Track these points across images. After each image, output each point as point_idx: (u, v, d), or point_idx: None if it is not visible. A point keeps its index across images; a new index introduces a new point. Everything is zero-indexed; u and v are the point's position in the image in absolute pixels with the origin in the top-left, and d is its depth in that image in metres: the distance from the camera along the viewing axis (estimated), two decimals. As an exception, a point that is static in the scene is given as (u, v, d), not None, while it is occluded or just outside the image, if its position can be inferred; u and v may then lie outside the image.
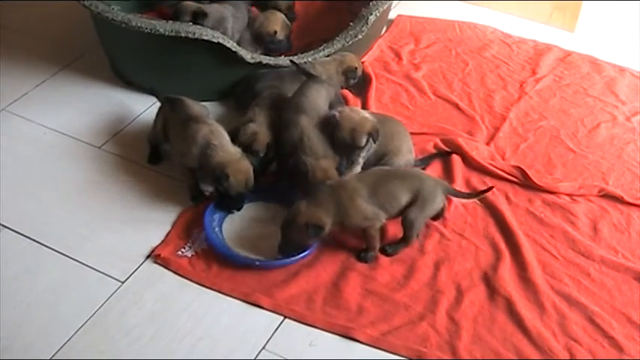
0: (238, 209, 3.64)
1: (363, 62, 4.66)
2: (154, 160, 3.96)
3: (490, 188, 3.73)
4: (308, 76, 4.05)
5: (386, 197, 3.41)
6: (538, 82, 4.75)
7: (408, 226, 3.47)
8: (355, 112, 3.74)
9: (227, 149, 3.61)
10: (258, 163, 3.72)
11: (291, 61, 4.24)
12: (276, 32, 4.56)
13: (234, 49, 4.11)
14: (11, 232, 3.55)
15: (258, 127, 3.82)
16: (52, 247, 3.48)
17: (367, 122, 3.66)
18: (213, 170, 3.54)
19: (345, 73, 4.36)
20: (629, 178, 4.07)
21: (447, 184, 3.66)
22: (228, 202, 3.62)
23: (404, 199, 3.43)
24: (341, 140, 3.64)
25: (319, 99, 3.86)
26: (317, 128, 3.71)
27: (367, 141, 3.66)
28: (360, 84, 4.45)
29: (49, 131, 4.13)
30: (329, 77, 4.23)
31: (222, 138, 3.66)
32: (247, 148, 3.71)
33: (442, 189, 3.54)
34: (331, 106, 3.94)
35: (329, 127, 3.68)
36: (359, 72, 4.42)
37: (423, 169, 3.93)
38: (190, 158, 3.63)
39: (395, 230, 3.53)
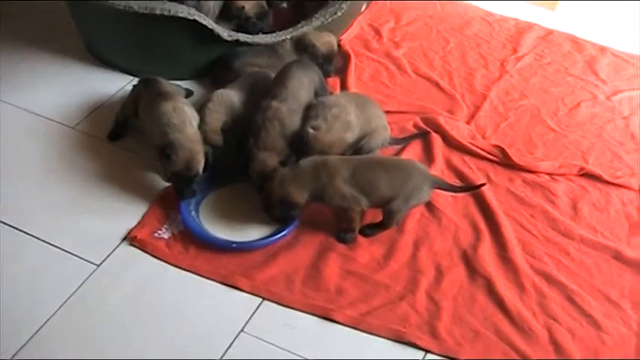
0: (183, 196, 3.54)
1: (340, 40, 4.67)
2: (114, 136, 3.94)
3: (483, 184, 3.74)
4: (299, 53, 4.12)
5: (366, 185, 3.39)
6: (519, 60, 4.77)
7: (388, 215, 3.47)
8: (331, 129, 3.62)
9: (184, 129, 3.55)
10: (220, 151, 3.70)
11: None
12: (244, 8, 4.45)
13: (210, 27, 4.09)
14: (-15, 216, 3.55)
15: (216, 113, 3.78)
16: (27, 231, 3.46)
17: (339, 144, 3.62)
18: (162, 148, 3.50)
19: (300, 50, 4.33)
20: (608, 157, 4.11)
21: (436, 177, 3.64)
22: (175, 185, 3.57)
23: (385, 189, 3.40)
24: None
25: (301, 90, 3.78)
26: (286, 121, 3.65)
27: None
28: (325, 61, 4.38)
29: (21, 112, 4.11)
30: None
31: (184, 117, 3.60)
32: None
33: (430, 182, 3.52)
34: (316, 94, 3.90)
35: (300, 143, 3.62)
36: (320, 50, 4.34)
37: (403, 147, 3.94)
38: (155, 135, 3.59)
39: (374, 212, 3.53)
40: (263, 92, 3.79)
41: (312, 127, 3.60)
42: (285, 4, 4.77)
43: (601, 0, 5.37)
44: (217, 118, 3.72)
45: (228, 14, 4.46)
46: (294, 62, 3.95)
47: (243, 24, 4.46)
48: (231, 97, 3.82)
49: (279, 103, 3.66)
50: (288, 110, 3.66)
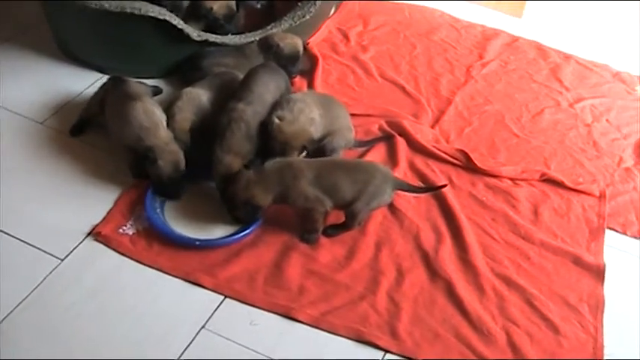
0: (174, 197, 3.64)
1: (308, 43, 4.70)
2: (77, 132, 3.95)
3: (444, 185, 3.77)
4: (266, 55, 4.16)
5: (330, 186, 3.41)
6: (484, 66, 4.83)
7: (350, 216, 3.50)
8: (295, 120, 3.63)
9: (158, 133, 3.60)
10: (189, 148, 3.71)
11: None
12: (212, 8, 4.46)
13: (180, 27, 4.11)
14: (-53, 208, 3.53)
15: (191, 89, 3.85)
16: (-11, 222, 3.47)
17: (303, 134, 3.62)
18: (144, 153, 3.54)
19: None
20: (570, 163, 4.16)
21: (398, 179, 3.66)
22: (163, 189, 3.61)
23: (348, 191, 3.42)
24: (271, 149, 3.61)
25: (267, 94, 3.78)
26: (251, 124, 3.65)
27: (299, 153, 3.66)
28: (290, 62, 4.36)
29: (-12, 105, 4.10)
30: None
31: (155, 118, 3.64)
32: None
33: (392, 184, 3.54)
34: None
35: (264, 132, 3.64)
36: (284, 50, 4.33)
37: (367, 150, 3.97)
38: (126, 137, 3.62)
39: (337, 213, 3.54)
40: (230, 93, 3.80)
41: (277, 117, 3.62)
42: (258, 5, 4.78)
43: (566, 8, 5.42)
44: (186, 117, 3.74)
45: (197, 14, 4.46)
46: (262, 66, 3.96)
47: (211, 24, 4.47)
48: (199, 95, 3.84)
49: (245, 106, 3.66)
50: (253, 113, 3.66)
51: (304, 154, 3.68)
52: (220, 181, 3.57)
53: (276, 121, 3.61)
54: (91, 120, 3.97)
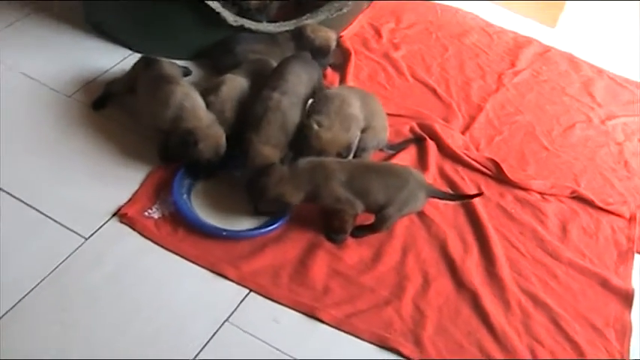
0: (207, 177, 3.60)
1: (342, 37, 4.64)
2: (99, 105, 3.89)
3: (478, 194, 3.70)
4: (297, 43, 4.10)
5: (362, 189, 3.35)
6: (516, 75, 4.77)
7: (380, 220, 3.44)
8: (332, 127, 3.55)
9: (198, 114, 3.53)
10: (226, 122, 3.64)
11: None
12: None
13: (217, 10, 4.05)
14: (-28, 175, 3.47)
15: (233, 75, 3.80)
16: (15, 195, 3.40)
17: (338, 141, 3.55)
18: (183, 136, 3.47)
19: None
20: (600, 182, 4.10)
21: (432, 186, 3.60)
22: (198, 169, 3.56)
23: (380, 195, 3.36)
24: (306, 152, 3.53)
25: (299, 85, 3.72)
26: (287, 115, 3.60)
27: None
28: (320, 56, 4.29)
29: (17, 75, 4.02)
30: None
31: (195, 101, 3.58)
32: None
33: (426, 191, 3.48)
34: (313, 92, 3.84)
35: (301, 137, 3.57)
36: (315, 42, 4.26)
37: (397, 152, 3.92)
38: (162, 120, 3.55)
39: (365, 213, 3.48)
40: (263, 81, 3.75)
41: (316, 123, 3.55)
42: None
43: (601, 21, 5.37)
44: (231, 107, 3.68)
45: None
46: (295, 57, 3.90)
47: (243, 13, 4.39)
48: (242, 83, 3.78)
49: (280, 95, 3.60)
50: (289, 103, 3.60)
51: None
52: (254, 172, 3.49)
53: (315, 127, 3.54)
54: (114, 96, 3.91)
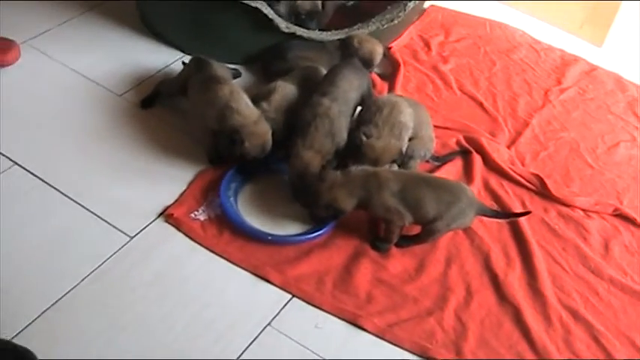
0: (255, 176, 3.56)
1: (391, 47, 4.60)
2: (148, 104, 3.88)
3: (526, 213, 3.65)
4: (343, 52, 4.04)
5: (413, 202, 3.29)
6: (562, 92, 4.68)
7: (428, 233, 3.39)
8: (381, 136, 3.49)
9: (244, 112, 3.48)
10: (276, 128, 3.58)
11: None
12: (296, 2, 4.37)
13: (270, 17, 4.02)
14: (22, 169, 3.44)
15: (283, 82, 3.76)
16: (63, 191, 3.37)
17: (391, 149, 3.49)
18: (230, 134, 3.43)
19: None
20: (643, 201, 4.01)
21: (482, 203, 3.53)
22: (246, 167, 3.53)
23: (431, 209, 3.30)
24: (360, 162, 3.47)
25: (350, 91, 3.68)
26: (335, 122, 3.54)
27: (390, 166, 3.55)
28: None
29: (70, 71, 4.01)
30: None
31: (241, 100, 3.53)
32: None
33: (476, 208, 3.42)
34: (362, 99, 3.80)
35: (353, 148, 3.52)
36: (360, 52, 4.16)
37: (443, 164, 3.87)
38: (210, 119, 3.51)
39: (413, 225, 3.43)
40: (313, 87, 3.71)
41: (364, 134, 3.49)
42: (349, 3, 4.69)
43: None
44: (282, 113, 3.65)
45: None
46: (346, 63, 3.85)
47: (295, 18, 4.36)
48: (292, 91, 3.74)
49: (331, 102, 3.55)
50: (338, 111, 3.55)
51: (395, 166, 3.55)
52: (295, 176, 3.46)
53: (364, 138, 3.48)
54: (165, 95, 3.89)
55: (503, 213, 3.66)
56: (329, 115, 3.50)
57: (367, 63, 4.11)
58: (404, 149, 3.55)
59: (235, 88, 3.58)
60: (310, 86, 3.74)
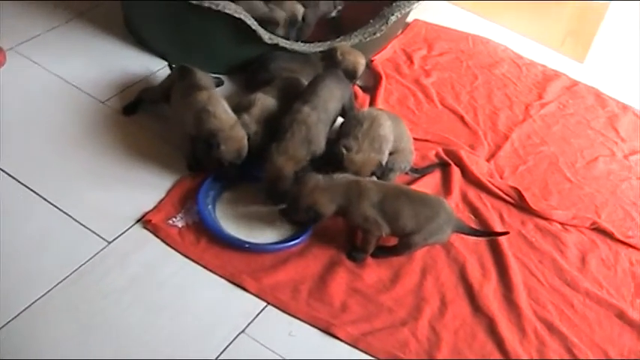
0: (233, 179, 3.52)
1: (373, 60, 4.57)
2: (130, 111, 3.85)
3: (505, 233, 3.62)
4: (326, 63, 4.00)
5: (391, 213, 3.26)
6: (543, 107, 4.65)
7: (404, 245, 3.37)
8: (361, 149, 3.47)
9: (221, 116, 3.46)
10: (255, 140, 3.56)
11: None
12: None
13: (253, 27, 3.98)
14: (1, 172, 3.41)
15: (263, 95, 3.72)
16: (43, 195, 3.35)
17: (371, 161, 3.47)
18: (206, 137, 3.40)
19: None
20: (620, 215, 3.98)
21: (460, 221, 3.49)
22: (223, 172, 3.48)
23: (408, 222, 3.27)
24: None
25: (331, 101, 3.67)
26: (312, 129, 3.53)
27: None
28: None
29: (54, 77, 3.98)
30: None
31: (219, 105, 3.51)
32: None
33: (453, 225, 3.38)
34: (343, 110, 3.80)
35: (333, 161, 3.49)
36: (343, 64, 4.07)
37: (421, 176, 3.84)
38: (187, 124, 3.49)
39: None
40: (294, 98, 3.68)
41: (344, 147, 3.47)
42: (334, 13, 4.65)
43: (629, 59, 5.23)
44: (261, 125, 3.62)
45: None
46: (329, 73, 3.84)
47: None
48: (272, 103, 3.72)
49: (310, 110, 3.54)
50: (317, 118, 3.54)
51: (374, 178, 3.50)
52: (268, 181, 3.44)
53: (344, 151, 3.46)
54: (148, 102, 3.87)
55: (481, 231, 3.61)
56: (306, 123, 3.49)
57: (350, 75, 4.07)
58: (384, 162, 3.53)
59: (214, 94, 3.57)
60: (291, 97, 3.72)
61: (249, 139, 3.48)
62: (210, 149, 3.38)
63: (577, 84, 4.95)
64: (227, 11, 3.86)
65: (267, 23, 4.22)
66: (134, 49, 4.30)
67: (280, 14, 4.35)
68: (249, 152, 3.48)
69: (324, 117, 3.59)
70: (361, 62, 4.14)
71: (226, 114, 3.49)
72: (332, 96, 3.69)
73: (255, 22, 4.01)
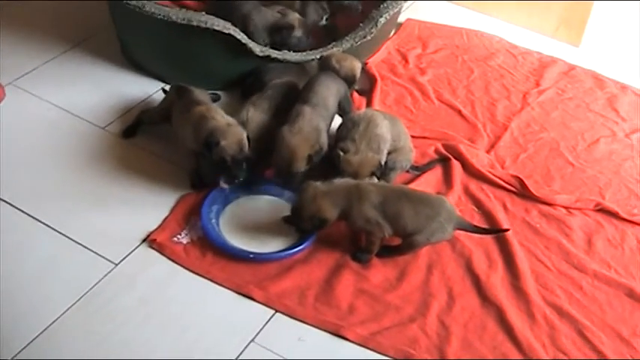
0: (239, 178, 3.47)
1: (367, 63, 4.57)
2: (129, 134, 3.89)
3: (507, 229, 3.57)
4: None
5: (393, 214, 3.26)
6: (541, 94, 4.63)
7: (407, 246, 3.36)
8: (358, 150, 3.48)
9: (218, 118, 3.49)
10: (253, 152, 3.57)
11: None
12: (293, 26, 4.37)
13: (244, 41, 3.99)
14: (7, 204, 3.45)
15: (254, 111, 3.72)
16: (48, 223, 3.38)
17: (369, 162, 3.47)
18: (205, 139, 3.41)
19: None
20: (625, 194, 3.95)
21: (461, 218, 3.46)
22: (227, 171, 3.46)
23: (410, 222, 3.27)
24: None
25: (329, 97, 3.73)
26: (317, 122, 3.59)
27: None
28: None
29: (54, 108, 4.01)
30: None
31: (217, 112, 3.55)
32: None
33: (455, 223, 3.37)
34: (340, 106, 3.84)
35: (332, 164, 3.51)
36: (341, 71, 4.08)
37: (422, 173, 3.83)
38: (188, 139, 3.53)
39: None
40: (292, 100, 3.75)
41: (341, 149, 3.49)
42: (324, 20, 4.67)
43: (624, 39, 5.21)
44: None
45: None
46: (323, 72, 3.91)
47: (290, 43, 4.36)
48: (263, 120, 3.72)
49: (312, 108, 3.61)
50: (318, 115, 3.62)
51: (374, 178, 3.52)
52: (279, 165, 3.52)
53: (341, 153, 3.47)
54: (147, 124, 3.90)
55: (483, 229, 3.57)
56: (312, 117, 3.58)
57: (349, 80, 4.08)
58: (383, 161, 3.53)
59: (211, 107, 3.61)
60: (288, 100, 3.78)
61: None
62: (210, 150, 3.38)
63: (574, 68, 4.92)
64: (216, 28, 3.88)
65: (284, 29, 4.30)
66: (131, 74, 4.33)
67: (293, 17, 4.41)
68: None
69: (324, 113, 3.66)
70: (358, 66, 4.15)
71: (224, 118, 3.51)
72: (329, 91, 3.76)
73: (245, 36, 4.02)
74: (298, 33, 4.36)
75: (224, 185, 3.50)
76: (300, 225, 3.34)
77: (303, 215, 3.28)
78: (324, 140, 3.60)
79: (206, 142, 3.39)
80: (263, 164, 3.63)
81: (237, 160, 3.42)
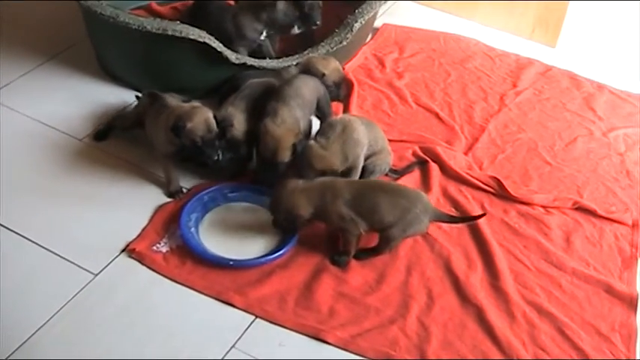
0: (213, 158, 3.53)
1: (344, 69, 4.56)
2: (101, 137, 3.95)
3: (482, 215, 3.61)
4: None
5: (368, 208, 3.29)
6: (518, 95, 4.68)
7: (384, 241, 3.38)
8: (328, 148, 3.50)
9: (183, 105, 3.57)
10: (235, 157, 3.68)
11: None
12: (324, 75, 4.11)
13: (219, 50, 4.03)
14: (-16, 219, 3.47)
15: (234, 110, 3.75)
16: (26, 235, 3.40)
17: (330, 160, 3.50)
18: (173, 125, 3.45)
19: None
20: (603, 192, 4.00)
21: (437, 210, 3.49)
22: (202, 155, 3.51)
23: (387, 214, 3.30)
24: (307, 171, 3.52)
25: (304, 87, 3.77)
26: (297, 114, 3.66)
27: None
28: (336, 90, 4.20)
29: (30, 121, 4.04)
30: None
31: (181, 103, 3.65)
32: (226, 140, 3.62)
33: (431, 215, 3.40)
34: (319, 106, 3.89)
35: (300, 156, 3.55)
36: (330, 78, 4.08)
37: (401, 176, 3.87)
38: (161, 142, 3.59)
39: (369, 236, 3.43)
40: (268, 99, 3.77)
41: (314, 141, 3.53)
42: (297, 30, 4.62)
43: (600, 39, 5.27)
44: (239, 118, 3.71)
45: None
46: (299, 73, 3.96)
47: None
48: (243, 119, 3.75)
49: (291, 100, 3.68)
50: (295, 104, 3.68)
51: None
52: (263, 157, 3.60)
53: (312, 143, 3.52)
54: (120, 129, 3.96)
55: (460, 217, 3.64)
56: (289, 105, 3.65)
57: (338, 84, 4.10)
58: (358, 167, 3.59)
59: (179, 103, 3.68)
60: (265, 96, 3.81)
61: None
62: (179, 135, 3.44)
63: (551, 69, 4.98)
64: (191, 37, 3.92)
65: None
66: (108, 85, 4.36)
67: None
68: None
69: (301, 102, 3.70)
70: (339, 67, 4.16)
71: (189, 103, 3.61)
72: (307, 87, 3.80)
73: (220, 45, 4.05)
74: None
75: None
76: (278, 218, 3.39)
77: (280, 209, 3.33)
78: (305, 128, 3.69)
79: (174, 127, 3.44)
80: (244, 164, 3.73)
81: (208, 139, 3.47)
